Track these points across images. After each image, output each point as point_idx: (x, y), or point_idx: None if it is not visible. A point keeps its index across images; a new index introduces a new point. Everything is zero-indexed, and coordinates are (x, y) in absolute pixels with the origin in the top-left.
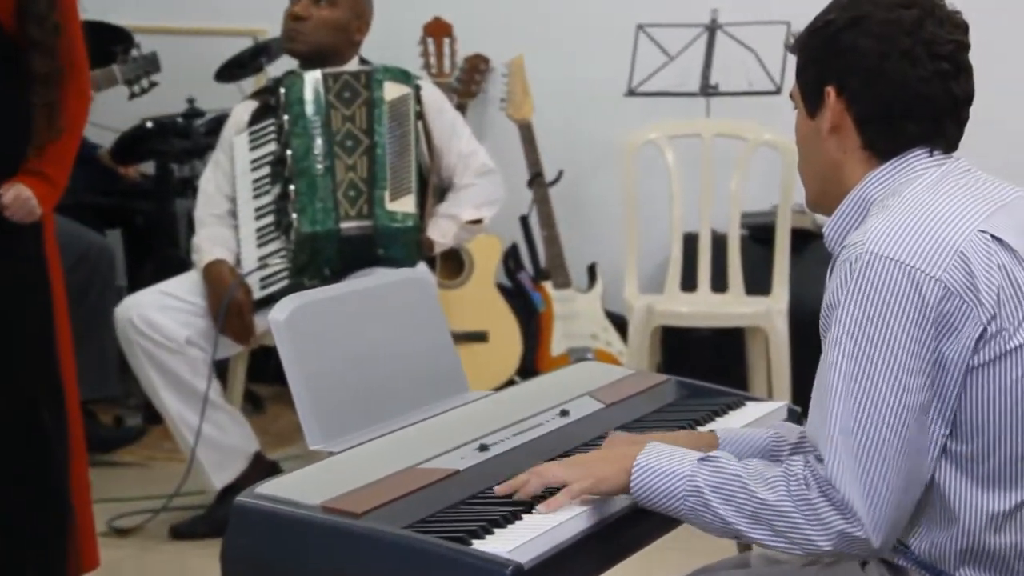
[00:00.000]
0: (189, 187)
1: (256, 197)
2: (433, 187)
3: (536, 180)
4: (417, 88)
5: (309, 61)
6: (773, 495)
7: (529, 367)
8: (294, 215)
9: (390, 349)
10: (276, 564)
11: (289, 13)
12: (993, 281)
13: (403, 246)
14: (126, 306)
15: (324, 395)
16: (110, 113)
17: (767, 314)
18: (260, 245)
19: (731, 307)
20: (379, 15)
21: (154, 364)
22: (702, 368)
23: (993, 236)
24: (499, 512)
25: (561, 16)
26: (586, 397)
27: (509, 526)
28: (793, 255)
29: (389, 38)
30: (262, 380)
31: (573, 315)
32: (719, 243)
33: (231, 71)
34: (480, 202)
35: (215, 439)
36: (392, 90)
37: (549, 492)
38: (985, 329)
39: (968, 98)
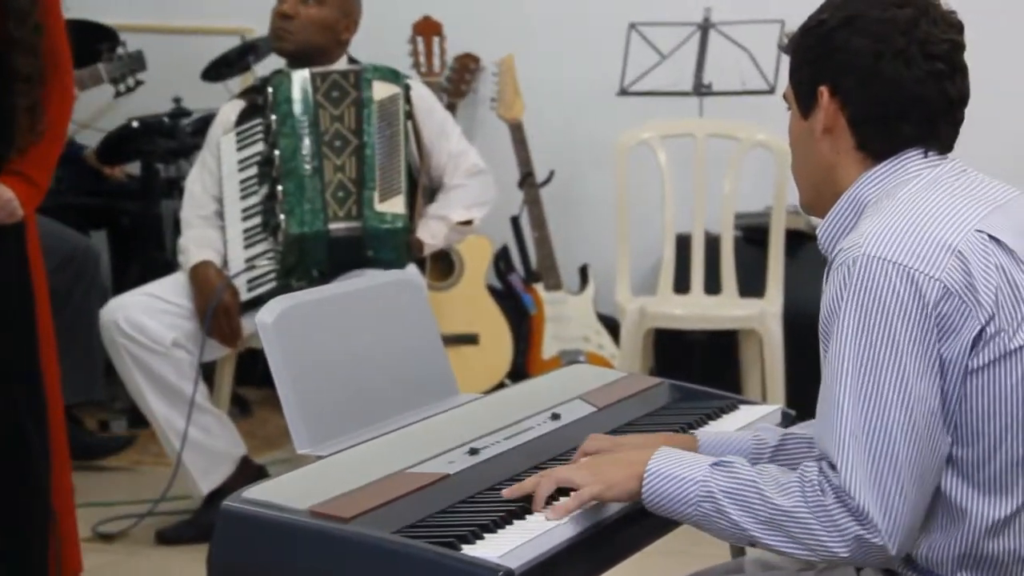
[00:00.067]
0: (175, 188)
1: (243, 198)
2: (423, 188)
3: (527, 180)
4: (407, 87)
5: (297, 60)
6: (789, 501)
7: (520, 370)
8: (282, 216)
9: (379, 352)
10: (263, 569)
11: (277, 12)
12: (991, 281)
13: (392, 247)
14: (111, 308)
15: (312, 398)
16: (95, 112)
17: (761, 316)
18: (247, 246)
19: (724, 309)
20: (368, 13)
21: (140, 367)
22: (695, 371)
23: (990, 236)
24: (490, 517)
25: (552, 15)
26: (577, 400)
27: (500, 531)
28: (787, 256)
29: (378, 37)
30: (249, 383)
31: (564, 317)
32: (712, 244)
33: (218, 70)
34: (470, 203)
35: (201, 443)
36: (381, 89)
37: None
38: (983, 330)
39: (963, 98)
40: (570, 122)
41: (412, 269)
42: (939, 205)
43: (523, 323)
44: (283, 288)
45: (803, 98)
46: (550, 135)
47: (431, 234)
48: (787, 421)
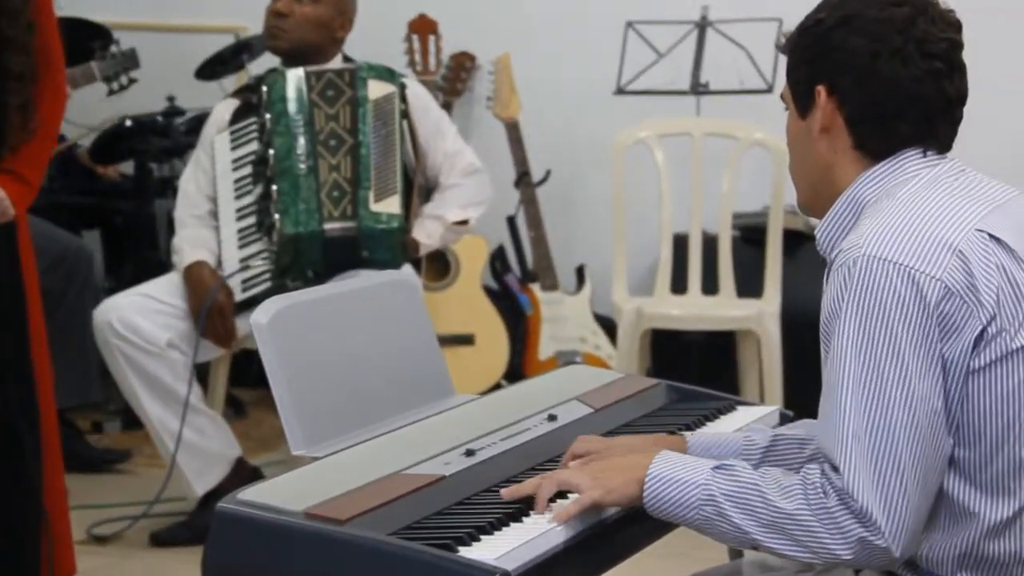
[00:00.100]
0: (169, 187)
1: (238, 197)
2: (418, 187)
3: (523, 180)
4: (402, 86)
5: (291, 59)
6: (791, 504)
7: (516, 371)
8: (276, 216)
9: (375, 352)
10: (259, 572)
11: (271, 10)
12: (992, 281)
13: (388, 248)
14: (105, 308)
15: (307, 399)
16: (88, 111)
17: (759, 317)
18: (242, 246)
19: (722, 310)
20: (363, 11)
21: (134, 368)
22: (692, 372)
23: (991, 235)
24: (486, 518)
25: (548, 13)
26: (574, 401)
27: (496, 532)
28: (785, 256)
29: (373, 35)
30: (244, 384)
31: (561, 318)
32: (710, 244)
33: (212, 69)
34: (466, 202)
35: (196, 444)
36: (376, 88)
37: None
38: (984, 330)
39: (961, 98)
40: (567, 121)
41: (408, 269)
42: (939, 205)
43: (519, 324)
44: (278, 288)
45: (800, 98)
46: (546, 134)
47: (427, 234)
48: (785, 422)
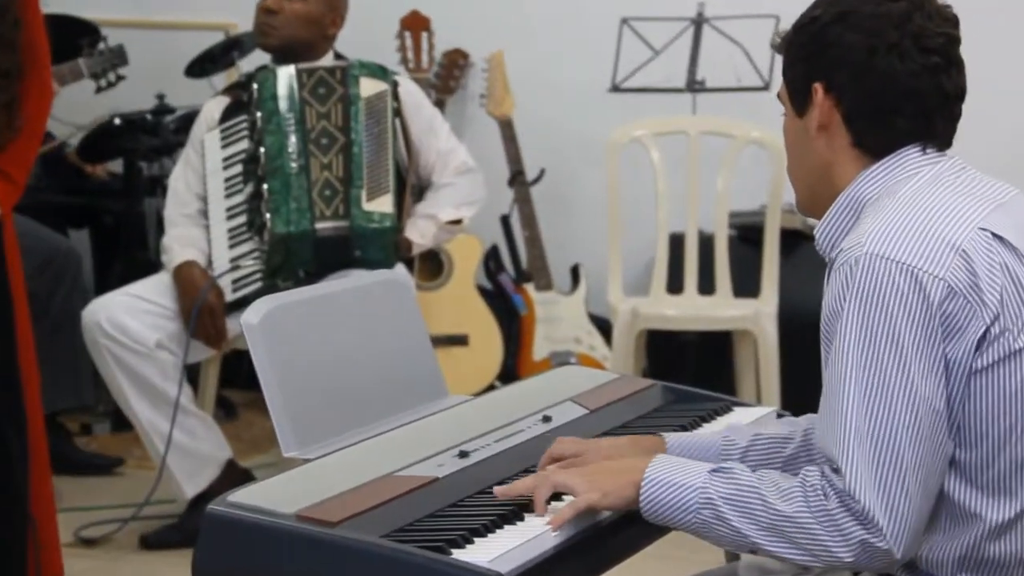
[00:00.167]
0: (158, 186)
1: (228, 196)
2: (411, 186)
3: (517, 179)
4: (394, 84)
5: (282, 56)
6: (791, 506)
7: (510, 371)
8: (267, 215)
9: (367, 353)
10: (249, 574)
11: (261, 7)
12: (996, 281)
13: (380, 247)
14: (93, 309)
15: (299, 400)
16: (77, 108)
17: (755, 317)
18: (232, 246)
19: (718, 310)
20: (354, 8)
21: (123, 369)
22: (688, 372)
23: (994, 234)
24: (480, 520)
25: (543, 9)
26: (569, 403)
27: (490, 535)
28: (782, 256)
29: (365, 32)
30: (234, 385)
31: (555, 318)
32: (706, 244)
33: (202, 66)
34: (460, 201)
35: (186, 446)
36: (368, 86)
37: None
38: (988, 330)
39: (960, 93)
40: (561, 119)
41: (400, 269)
42: (941, 203)
43: (513, 324)
44: (269, 288)
45: (797, 96)
46: (541, 132)
47: (419, 233)
48: None
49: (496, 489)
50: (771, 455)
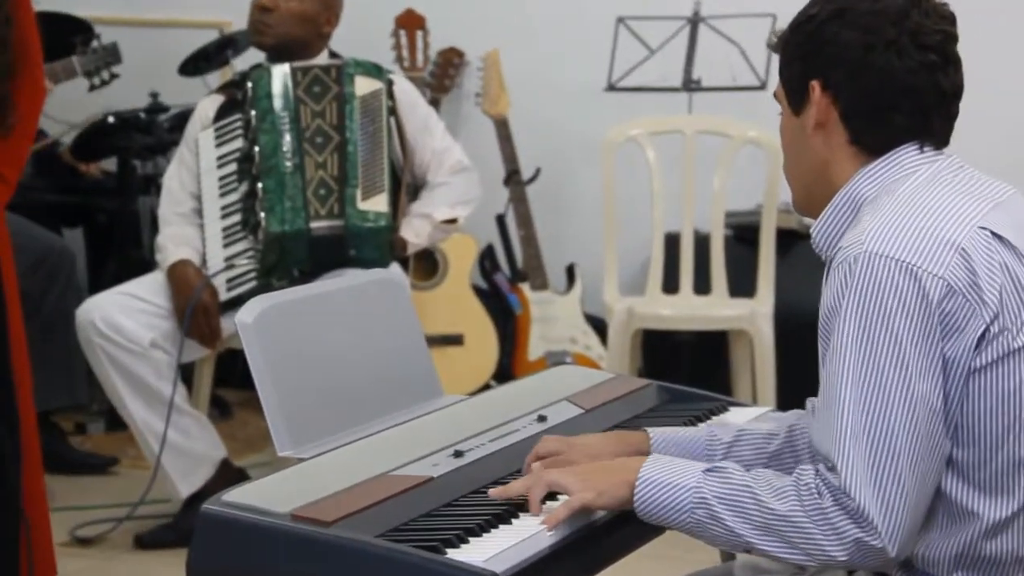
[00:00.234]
0: (152, 184)
1: (222, 195)
2: (406, 185)
3: (513, 178)
4: (389, 83)
5: (277, 54)
6: (785, 505)
7: (505, 371)
8: (262, 214)
9: (362, 352)
10: (244, 574)
11: (256, 4)
12: (995, 280)
13: (375, 246)
14: (87, 308)
15: (293, 400)
16: (70, 106)
17: (751, 317)
18: (227, 245)
19: (714, 309)
20: (349, 6)
21: (117, 368)
22: (684, 372)
23: (993, 233)
24: (475, 520)
25: (538, 8)
26: (564, 402)
27: (485, 534)
28: (778, 256)
29: (360, 30)
30: (229, 384)
31: (551, 318)
32: (702, 243)
33: (196, 64)
34: (455, 201)
35: (181, 445)
36: (363, 85)
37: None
38: (987, 329)
39: (957, 92)
40: (557, 118)
41: (395, 268)
42: (941, 201)
43: (509, 323)
44: (263, 287)
45: (794, 94)
46: (536, 131)
47: (415, 232)
48: None
49: (491, 492)
50: (756, 451)
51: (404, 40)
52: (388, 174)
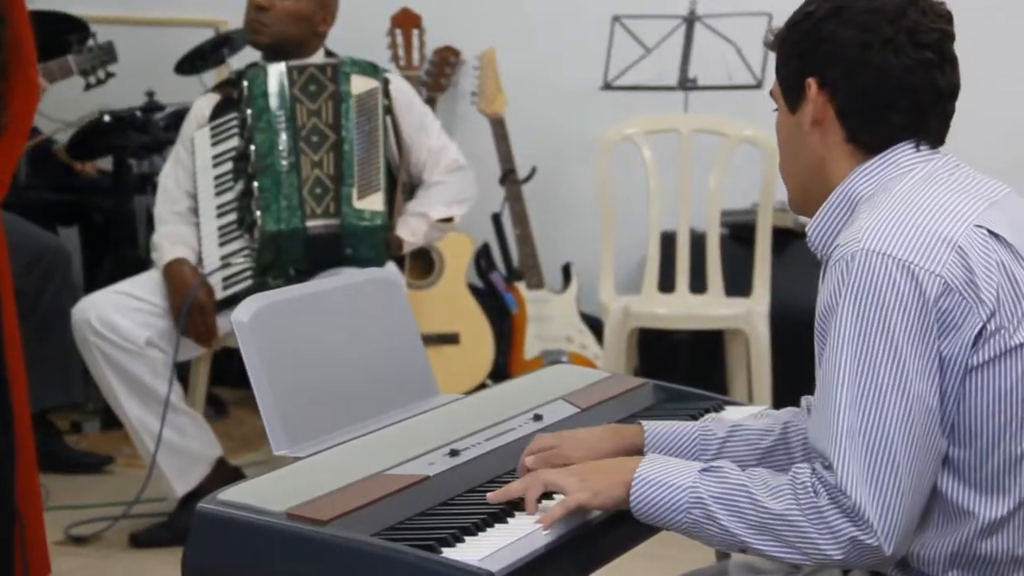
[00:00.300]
0: (148, 183)
1: (218, 194)
2: (402, 184)
3: (508, 177)
4: (385, 81)
5: (273, 53)
6: (780, 504)
7: (501, 370)
8: (258, 213)
9: (358, 351)
10: (239, 573)
11: (252, 3)
12: (992, 278)
13: (371, 245)
14: (83, 307)
15: (289, 398)
16: (66, 105)
17: (747, 316)
18: (222, 244)
19: (710, 308)
20: (345, 5)
21: (112, 367)
22: (680, 371)
23: (990, 231)
24: (470, 519)
25: (534, 7)
26: (560, 401)
27: (480, 533)
28: (774, 255)
29: (356, 29)
30: (225, 383)
31: (547, 317)
32: (698, 242)
33: (192, 63)
34: (451, 200)
35: (176, 444)
36: (359, 83)
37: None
38: (984, 326)
39: (953, 90)
40: (553, 117)
41: (391, 267)
42: (937, 200)
43: (505, 322)
44: (259, 286)
45: (791, 92)
46: (532, 130)
47: (410, 231)
48: None
49: (490, 496)
50: (750, 447)
51: (400, 39)
52: (384, 173)
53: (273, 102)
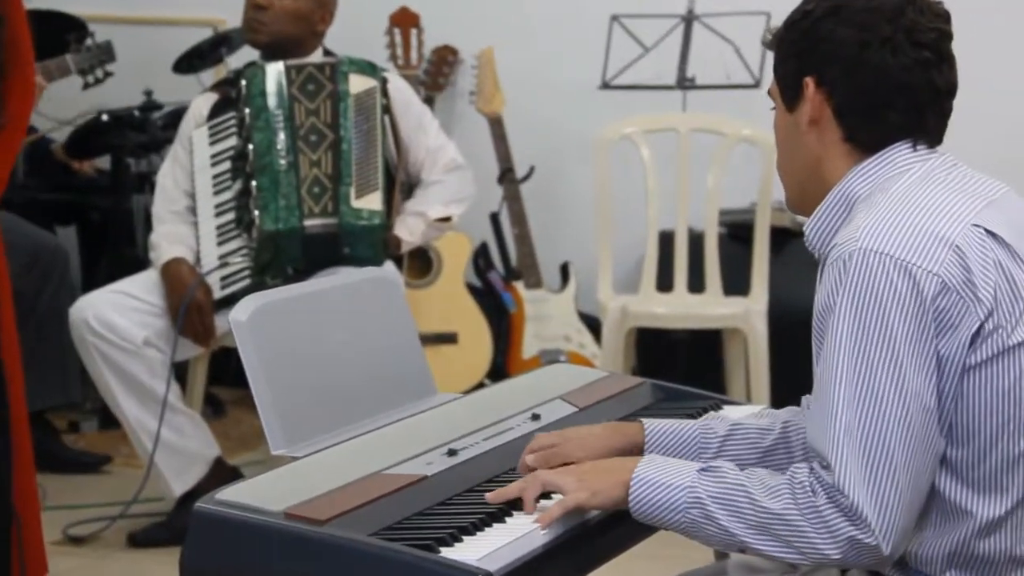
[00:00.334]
0: (146, 182)
1: (216, 193)
2: (400, 183)
3: (507, 176)
4: (383, 81)
5: (271, 52)
6: (778, 504)
7: (499, 369)
8: (256, 212)
9: (356, 351)
10: (237, 573)
11: (250, 2)
12: (990, 277)
13: (369, 245)
14: (81, 306)
15: (287, 398)
16: (64, 104)
17: (745, 315)
18: (220, 243)
19: (708, 308)
20: (343, 4)
21: (110, 366)
22: (678, 371)
23: (987, 231)
24: (468, 519)
25: (533, 6)
26: (558, 401)
27: (478, 533)
28: (772, 254)
29: (354, 28)
30: (223, 383)
31: (545, 316)
32: (696, 242)
33: (190, 62)
34: (449, 199)
35: (174, 444)
36: (358, 83)
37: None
38: (982, 326)
39: (951, 89)
40: (551, 116)
41: (389, 266)
42: (934, 199)
43: (503, 322)
44: (257, 286)
45: (788, 91)
46: (530, 129)
47: (408, 231)
48: None
49: (488, 496)
50: (750, 446)
51: (398, 38)
52: (382, 172)
53: (271, 101)
